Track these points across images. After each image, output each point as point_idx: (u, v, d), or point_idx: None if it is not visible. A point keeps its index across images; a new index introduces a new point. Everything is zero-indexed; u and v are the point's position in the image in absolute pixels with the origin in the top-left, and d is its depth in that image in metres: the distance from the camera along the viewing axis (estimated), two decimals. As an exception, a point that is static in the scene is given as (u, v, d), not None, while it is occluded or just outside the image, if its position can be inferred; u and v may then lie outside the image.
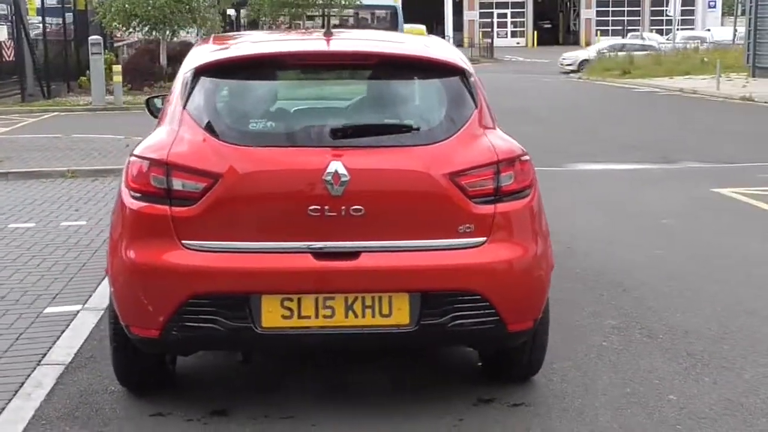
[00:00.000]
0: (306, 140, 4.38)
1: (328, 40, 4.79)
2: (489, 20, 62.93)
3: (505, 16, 64.07)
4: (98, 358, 5.31)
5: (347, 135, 4.37)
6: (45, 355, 5.33)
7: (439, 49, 4.95)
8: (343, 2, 30.59)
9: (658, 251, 7.85)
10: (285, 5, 30.22)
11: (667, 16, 55.74)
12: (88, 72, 25.03)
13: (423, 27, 50.76)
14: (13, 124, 19.32)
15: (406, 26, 49.50)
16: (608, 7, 61.77)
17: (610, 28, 57.52)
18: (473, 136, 4.47)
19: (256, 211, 4.27)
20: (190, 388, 4.91)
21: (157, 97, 6.77)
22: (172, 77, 23.61)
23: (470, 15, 63.00)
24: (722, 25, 57.65)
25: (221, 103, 4.54)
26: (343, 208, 4.21)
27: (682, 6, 46.19)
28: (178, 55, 26.60)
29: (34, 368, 5.13)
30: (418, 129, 4.50)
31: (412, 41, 5.22)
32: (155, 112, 6.53)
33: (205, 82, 4.52)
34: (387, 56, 4.65)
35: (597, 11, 61.82)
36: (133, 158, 4.43)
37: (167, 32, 25.89)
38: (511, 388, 4.87)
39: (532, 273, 4.46)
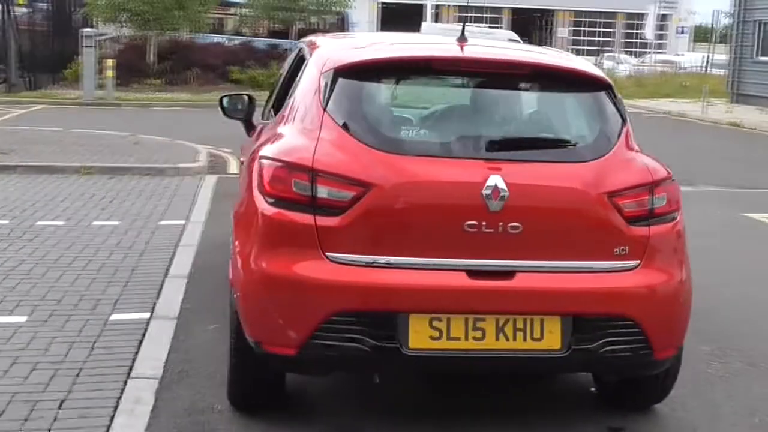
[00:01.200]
0: (462, 151, 4.09)
1: (462, 46, 4.51)
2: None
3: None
4: (191, 373, 4.98)
5: (504, 147, 4.11)
6: (132, 367, 4.97)
7: (581, 62, 4.70)
8: (333, 7, 30.26)
9: (712, 276, 7.66)
10: (275, 9, 29.79)
11: (640, 39, 56.28)
12: (70, 64, 24.52)
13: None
14: (2, 114, 18.74)
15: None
16: (582, 27, 62.08)
17: (584, 47, 57.77)
18: (626, 155, 4.25)
19: (409, 224, 3.97)
20: (299, 406, 4.61)
21: (229, 95, 6.48)
22: (161, 74, 23.21)
23: (446, 29, 62.66)
24: (690, 50, 58.19)
25: (368, 107, 4.23)
26: (500, 224, 3.94)
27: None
28: (167, 53, 26.26)
29: (125, 381, 4.77)
30: (574, 145, 4.24)
31: (551, 53, 4.98)
32: (231, 113, 6.26)
33: (347, 83, 4.21)
34: (541, 67, 4.39)
35: (571, 30, 62.07)
36: (268, 161, 4.12)
37: (158, 30, 25.35)
38: (635, 416, 4.66)
39: (680, 298, 4.24)
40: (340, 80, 4.22)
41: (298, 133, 4.24)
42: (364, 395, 4.82)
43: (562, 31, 62.45)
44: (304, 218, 3.96)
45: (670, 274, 4.18)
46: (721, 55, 41.46)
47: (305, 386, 4.74)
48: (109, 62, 21.70)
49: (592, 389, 4.91)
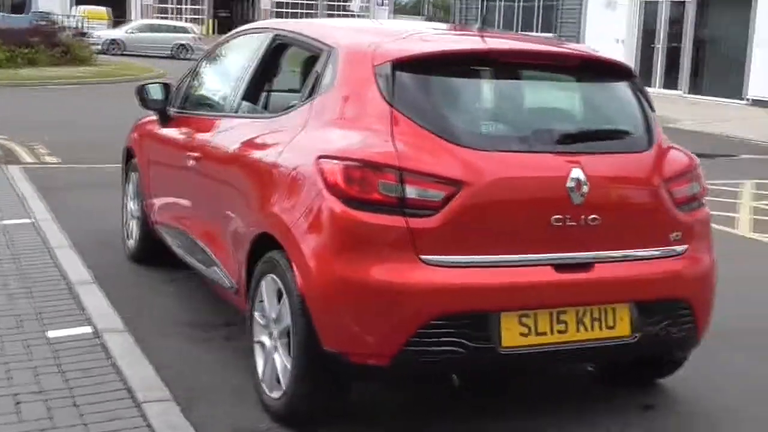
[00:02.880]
0: (540, 145, 4.08)
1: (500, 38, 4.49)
2: (165, 5, 61.17)
3: (182, 2, 62.50)
4: (203, 389, 4.60)
5: (577, 140, 4.17)
6: (130, 390, 4.48)
7: (602, 52, 4.80)
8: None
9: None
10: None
11: (345, 11, 57.59)
12: None
13: (105, 9, 48.27)
14: None
15: (86, 8, 46.79)
16: (287, -1, 62.50)
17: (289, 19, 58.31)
18: (666, 143, 4.44)
19: (500, 221, 3.90)
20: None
21: (154, 83, 6.00)
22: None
23: (147, -1, 60.73)
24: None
25: (439, 102, 4.07)
26: (582, 217, 3.99)
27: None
28: None
29: (138, 406, 4.30)
30: (632, 134, 4.35)
31: (574, 44, 5.04)
32: (150, 103, 5.84)
33: (410, 77, 4.05)
34: (587, 58, 4.43)
35: (275, 2, 62.25)
36: (340, 161, 3.86)
37: None
38: (667, 393, 4.86)
39: (714, 279, 4.50)
40: (402, 73, 4.04)
41: (362, 130, 4.00)
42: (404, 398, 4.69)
43: (266, 3, 62.47)
44: (396, 221, 3.78)
45: (709, 256, 4.42)
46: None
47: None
48: None
49: (589, 368, 5.07)
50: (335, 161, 3.89)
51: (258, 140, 4.67)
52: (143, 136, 6.57)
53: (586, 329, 4.04)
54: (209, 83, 6.03)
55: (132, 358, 4.89)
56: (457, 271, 3.82)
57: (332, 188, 3.86)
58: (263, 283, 4.33)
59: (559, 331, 3.99)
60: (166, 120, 6.06)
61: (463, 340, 3.82)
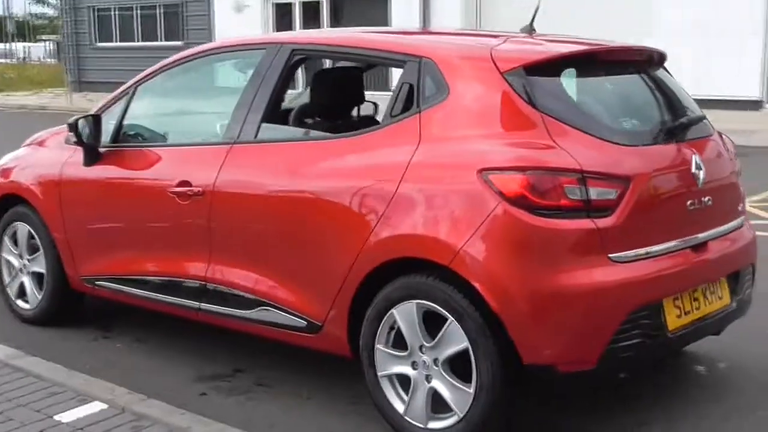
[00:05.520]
0: (665, 136, 4.28)
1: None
2: None
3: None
4: None
5: (684, 128, 4.40)
6: None
7: None
8: None
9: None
10: None
11: None
12: None
13: None
14: None
15: None
16: None
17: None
18: None
19: (655, 212, 4.05)
20: None
21: (81, 118, 5.32)
22: None
23: None
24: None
25: (575, 102, 4.13)
26: (703, 199, 4.27)
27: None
28: None
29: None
30: (704, 119, 4.66)
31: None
32: (86, 138, 5.24)
33: (542, 80, 4.04)
34: (652, 52, 4.64)
35: None
36: (519, 173, 3.78)
37: None
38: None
39: None
40: (534, 78, 4.01)
41: (515, 137, 3.92)
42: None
43: None
44: (585, 223, 3.79)
45: (749, 223, 4.90)
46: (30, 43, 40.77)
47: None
48: None
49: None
50: (509, 172, 3.79)
51: (334, 165, 4.36)
52: (53, 179, 5.69)
53: (708, 303, 4.33)
54: (176, 112, 5.42)
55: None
56: (636, 265, 3.92)
57: (516, 200, 3.76)
58: (395, 312, 4.09)
59: (696, 309, 4.24)
60: (93, 157, 5.36)
61: (648, 331, 3.94)
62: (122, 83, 5.60)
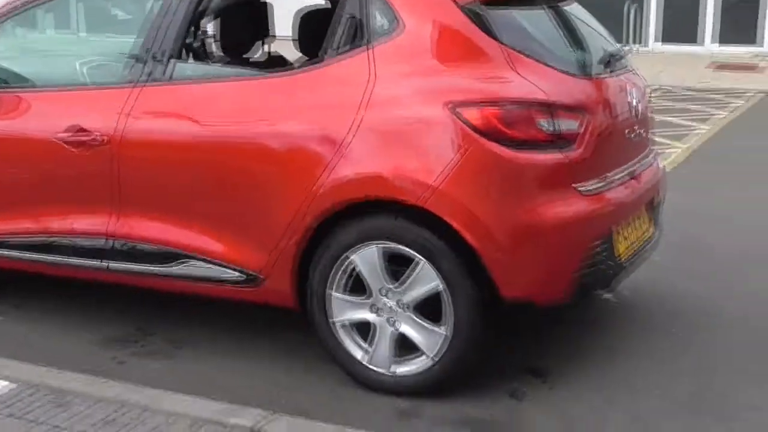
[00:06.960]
0: (605, 68, 4.27)
1: None
2: None
3: None
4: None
5: (616, 61, 4.44)
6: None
7: None
8: None
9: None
10: None
11: None
12: None
13: None
14: None
15: None
16: None
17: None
18: None
19: (608, 142, 4.06)
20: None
21: None
22: None
23: None
24: None
25: (533, 34, 4.02)
26: (636, 129, 4.36)
27: None
28: None
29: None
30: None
31: None
32: None
33: (500, 13, 3.94)
34: None
35: None
36: (490, 106, 3.67)
37: None
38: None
39: None
40: (493, 11, 3.91)
41: (479, 70, 3.79)
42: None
43: None
44: (556, 156, 3.76)
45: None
46: None
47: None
48: None
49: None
50: (480, 106, 3.66)
51: (274, 105, 4.06)
52: None
53: (639, 231, 4.42)
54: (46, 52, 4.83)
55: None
56: (598, 195, 3.94)
57: (490, 133, 3.65)
58: (353, 257, 3.90)
59: (636, 238, 4.33)
60: None
61: (606, 258, 3.97)
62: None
